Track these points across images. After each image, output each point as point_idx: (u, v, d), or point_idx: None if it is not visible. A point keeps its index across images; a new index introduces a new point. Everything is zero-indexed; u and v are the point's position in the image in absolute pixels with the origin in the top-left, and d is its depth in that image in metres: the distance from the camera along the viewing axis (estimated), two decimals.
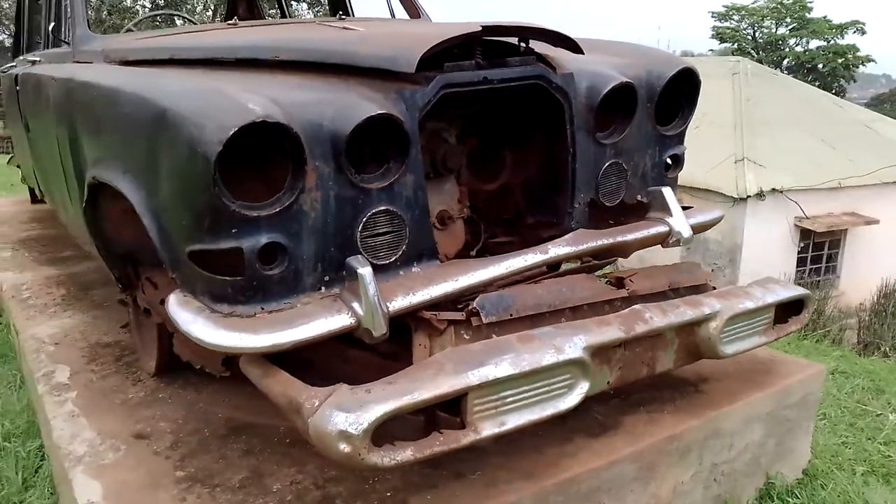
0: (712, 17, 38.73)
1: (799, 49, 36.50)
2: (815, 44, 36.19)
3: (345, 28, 2.47)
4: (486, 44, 2.01)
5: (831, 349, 5.42)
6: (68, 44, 2.86)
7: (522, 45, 2.05)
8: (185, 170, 1.64)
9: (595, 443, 2.19)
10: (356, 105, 1.74)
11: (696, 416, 2.37)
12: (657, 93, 2.26)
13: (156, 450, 2.18)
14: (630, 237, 2.18)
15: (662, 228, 2.23)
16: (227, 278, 1.72)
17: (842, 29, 35.31)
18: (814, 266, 12.69)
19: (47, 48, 3.33)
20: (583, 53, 2.12)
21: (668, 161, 2.41)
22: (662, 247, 2.28)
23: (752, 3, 37.92)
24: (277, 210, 1.67)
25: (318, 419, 1.52)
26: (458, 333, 1.85)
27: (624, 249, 2.20)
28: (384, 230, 1.85)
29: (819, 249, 12.68)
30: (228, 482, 2.00)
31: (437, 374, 1.62)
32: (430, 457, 1.60)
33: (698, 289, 2.36)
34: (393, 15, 3.63)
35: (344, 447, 1.48)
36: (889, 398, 3.79)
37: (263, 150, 1.67)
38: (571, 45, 2.10)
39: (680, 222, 2.23)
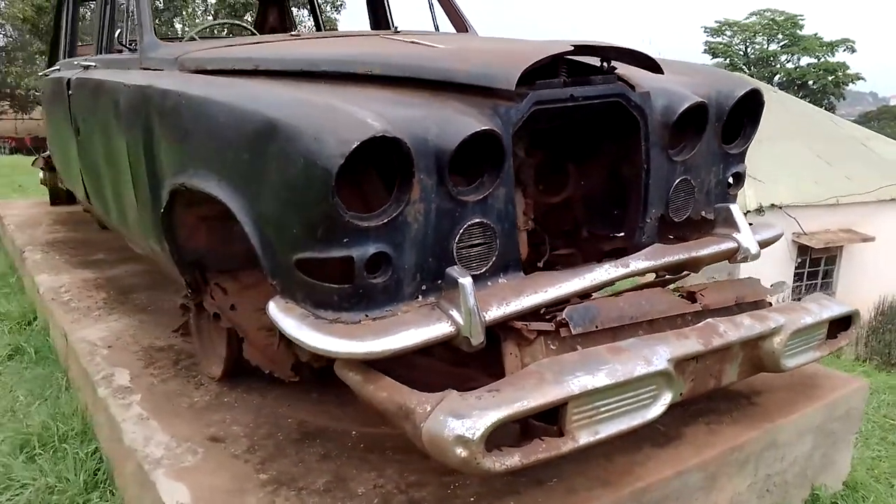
0: (704, 32, 39.23)
1: (790, 66, 36.99)
2: (805, 61, 36.71)
3: (413, 42, 2.53)
4: (568, 62, 2.07)
5: (855, 364, 5.52)
6: (131, 50, 2.90)
7: (604, 64, 2.12)
8: (300, 181, 1.69)
9: (662, 453, 2.25)
10: (459, 121, 1.80)
11: (754, 428, 2.43)
12: (725, 112, 2.34)
13: (234, 453, 2.21)
14: (703, 252, 2.25)
15: (732, 244, 2.30)
16: (335, 286, 1.76)
17: (832, 46, 35.86)
18: (810, 282, 12.87)
19: (99, 54, 3.36)
20: (663, 73, 2.19)
21: (730, 179, 2.48)
22: (730, 262, 2.35)
23: (745, 19, 38.44)
24: (385, 221, 1.73)
25: (433, 424, 1.57)
26: (545, 344, 1.90)
27: (697, 264, 2.27)
28: (477, 241, 1.90)
29: (815, 265, 12.87)
30: (313, 485, 2.04)
31: (539, 383, 1.67)
32: (535, 463, 1.65)
33: (757, 304, 2.43)
34: (437, 28, 3.69)
35: (460, 452, 1.53)
36: None
37: (371, 163, 1.72)
38: (652, 65, 2.16)
39: (748, 239, 2.30)
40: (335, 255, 1.72)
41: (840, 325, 2.58)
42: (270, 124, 1.77)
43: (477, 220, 1.88)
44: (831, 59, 35.87)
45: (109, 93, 2.77)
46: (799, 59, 36.96)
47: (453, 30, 3.64)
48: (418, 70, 1.99)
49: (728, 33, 38.77)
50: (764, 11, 38.15)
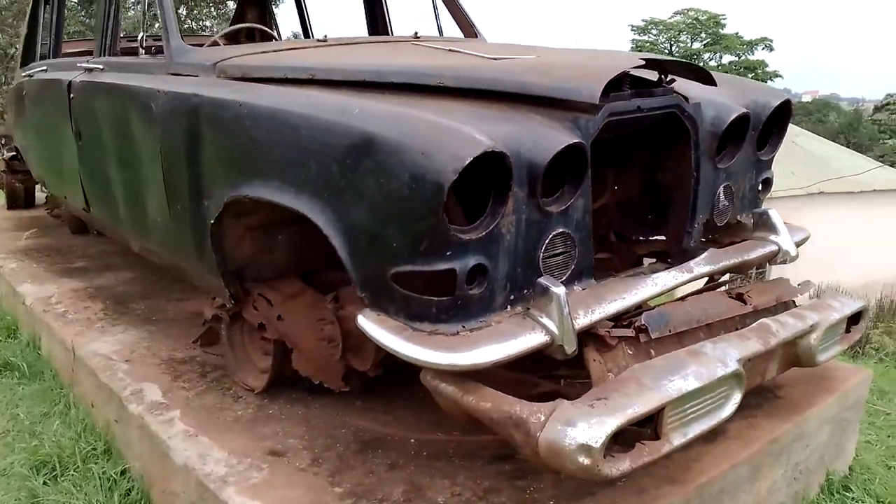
0: (632, 30, 40.30)
1: (713, 63, 38.38)
2: (727, 59, 38.19)
3: (456, 51, 2.55)
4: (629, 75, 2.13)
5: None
6: (147, 53, 2.80)
7: (663, 76, 2.19)
8: (404, 196, 1.69)
9: (713, 448, 2.34)
10: (549, 135, 1.83)
11: (787, 420, 2.56)
12: (762, 121, 2.45)
13: (299, 466, 2.19)
14: (753, 256, 2.35)
15: (773, 247, 2.42)
16: (433, 298, 1.77)
17: (752, 45, 37.42)
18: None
19: (103, 55, 3.22)
20: (716, 86, 2.28)
21: (760, 185, 2.60)
22: (769, 264, 2.46)
23: (670, 18, 39.68)
24: (483, 233, 1.75)
25: (551, 433, 1.60)
26: (625, 349, 1.96)
27: (747, 267, 2.37)
28: (559, 251, 1.95)
29: None
30: (391, 496, 2.04)
31: (640, 389, 1.73)
32: (641, 467, 1.71)
33: (787, 304, 2.56)
34: (441, 32, 3.70)
35: (584, 460, 1.57)
36: (891, 397, 4.14)
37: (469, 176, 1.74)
38: (706, 78, 2.25)
39: (787, 241, 2.43)
40: (438, 268, 1.73)
41: (852, 320, 2.74)
42: (367, 138, 1.77)
43: (560, 230, 1.93)
44: (751, 58, 37.45)
45: (136, 98, 2.67)
46: (721, 57, 38.44)
47: (460, 34, 3.65)
48: (494, 83, 2.01)
49: (654, 32, 39.95)
50: (688, 11, 39.48)
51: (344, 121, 1.86)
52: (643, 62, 2.03)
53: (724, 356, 1.95)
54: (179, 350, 3.07)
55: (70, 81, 3.25)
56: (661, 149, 2.40)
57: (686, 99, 2.23)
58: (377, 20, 4.10)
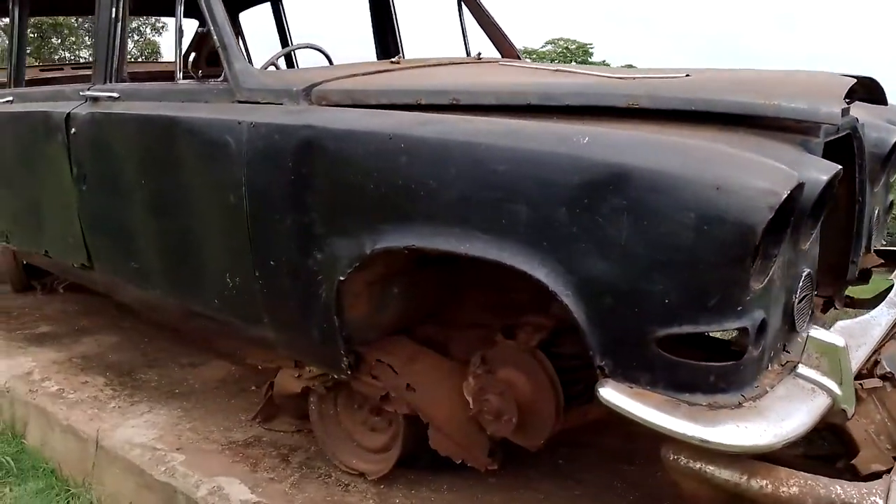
0: None
1: None
2: None
3: (584, 73, 2.27)
4: None
5: None
6: (194, 78, 2.31)
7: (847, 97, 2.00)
8: (686, 241, 1.38)
9: None
10: (808, 161, 1.59)
11: None
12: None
13: None
14: None
15: None
16: (715, 364, 1.47)
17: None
18: None
19: (108, 82, 2.66)
20: (886, 104, 2.13)
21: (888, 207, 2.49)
22: None
23: (542, 48, 41.05)
24: (766, 281, 1.47)
25: None
26: (875, 402, 1.74)
27: None
28: (805, 294, 1.70)
29: None
30: None
31: None
32: None
33: None
34: (468, 52, 3.38)
35: None
36: None
37: None
38: (881, 98, 2.09)
39: None
40: (728, 326, 1.43)
41: None
42: (617, 172, 1.45)
43: (807, 271, 1.68)
44: None
45: (197, 132, 2.18)
46: None
47: (497, 54, 3.36)
48: (704, 104, 1.73)
49: (528, 60, 41.13)
50: (558, 40, 40.96)
51: (572, 153, 1.52)
52: (855, 79, 1.83)
53: None
54: (235, 430, 2.57)
55: (69, 114, 2.67)
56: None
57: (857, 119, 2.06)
58: (388, 46, 3.72)
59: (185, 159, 2.27)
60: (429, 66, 2.58)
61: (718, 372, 1.47)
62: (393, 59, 2.57)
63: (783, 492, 1.46)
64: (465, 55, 3.32)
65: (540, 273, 1.55)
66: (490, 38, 3.35)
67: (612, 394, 1.52)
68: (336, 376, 2.14)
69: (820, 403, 1.52)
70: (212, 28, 2.27)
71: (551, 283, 1.54)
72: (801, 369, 1.58)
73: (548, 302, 1.98)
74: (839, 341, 1.56)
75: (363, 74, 2.26)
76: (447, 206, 1.69)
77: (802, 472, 1.47)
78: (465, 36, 3.41)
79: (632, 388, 1.52)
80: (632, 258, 1.46)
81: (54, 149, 2.78)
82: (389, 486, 2.19)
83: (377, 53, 3.82)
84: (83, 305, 3.93)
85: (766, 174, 1.38)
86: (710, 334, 1.66)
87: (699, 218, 1.37)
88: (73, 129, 2.69)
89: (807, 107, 1.67)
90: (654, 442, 2.20)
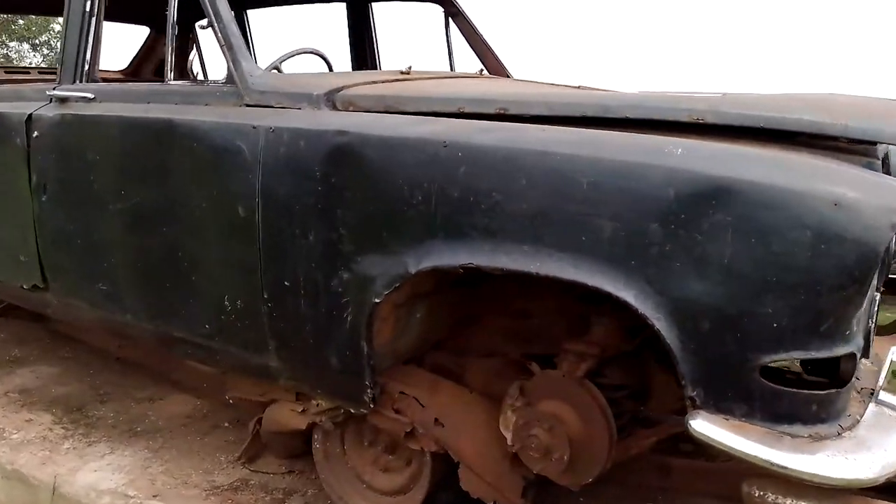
0: None
1: None
2: None
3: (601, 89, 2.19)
4: None
5: None
6: (194, 81, 2.08)
7: None
8: (800, 261, 1.29)
9: None
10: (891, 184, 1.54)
11: None
12: None
13: None
14: None
15: None
16: (819, 392, 1.37)
17: None
18: None
19: (78, 82, 2.36)
20: None
21: None
22: None
23: None
24: (866, 304, 1.40)
25: None
26: None
27: None
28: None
29: None
30: None
31: None
32: None
33: None
34: (452, 68, 3.28)
35: None
36: None
37: None
38: None
39: None
40: (839, 352, 1.34)
41: None
42: (719, 186, 1.35)
43: (878, 294, 1.63)
44: None
45: (202, 138, 1.94)
46: None
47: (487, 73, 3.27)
48: (775, 121, 1.66)
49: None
50: None
51: (667, 164, 1.42)
52: None
53: None
54: (216, 472, 2.30)
55: (30, 115, 2.37)
56: None
57: None
58: (364, 59, 3.57)
59: (181, 167, 2.03)
60: (440, 77, 2.44)
61: (821, 401, 1.38)
62: (403, 70, 2.42)
63: None
64: (449, 70, 3.22)
65: (627, 294, 1.43)
66: (478, 56, 3.25)
67: (706, 426, 1.40)
68: (352, 411, 1.93)
69: None
70: (216, 25, 2.06)
71: (640, 305, 1.42)
72: (883, 395, 1.52)
73: (578, 328, 1.87)
74: None
75: (384, 82, 2.10)
76: (514, 220, 1.54)
77: (878, 501, 1.40)
78: (450, 52, 3.30)
79: (727, 419, 1.41)
80: (737, 279, 1.35)
81: (10, 154, 2.45)
82: None
83: (353, 67, 3.65)
84: (11, 332, 3.51)
85: (882, 191, 1.32)
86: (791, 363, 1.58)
87: (816, 236, 1.29)
88: (35, 133, 2.38)
89: (873, 127, 1.64)
90: (688, 477, 2.11)
